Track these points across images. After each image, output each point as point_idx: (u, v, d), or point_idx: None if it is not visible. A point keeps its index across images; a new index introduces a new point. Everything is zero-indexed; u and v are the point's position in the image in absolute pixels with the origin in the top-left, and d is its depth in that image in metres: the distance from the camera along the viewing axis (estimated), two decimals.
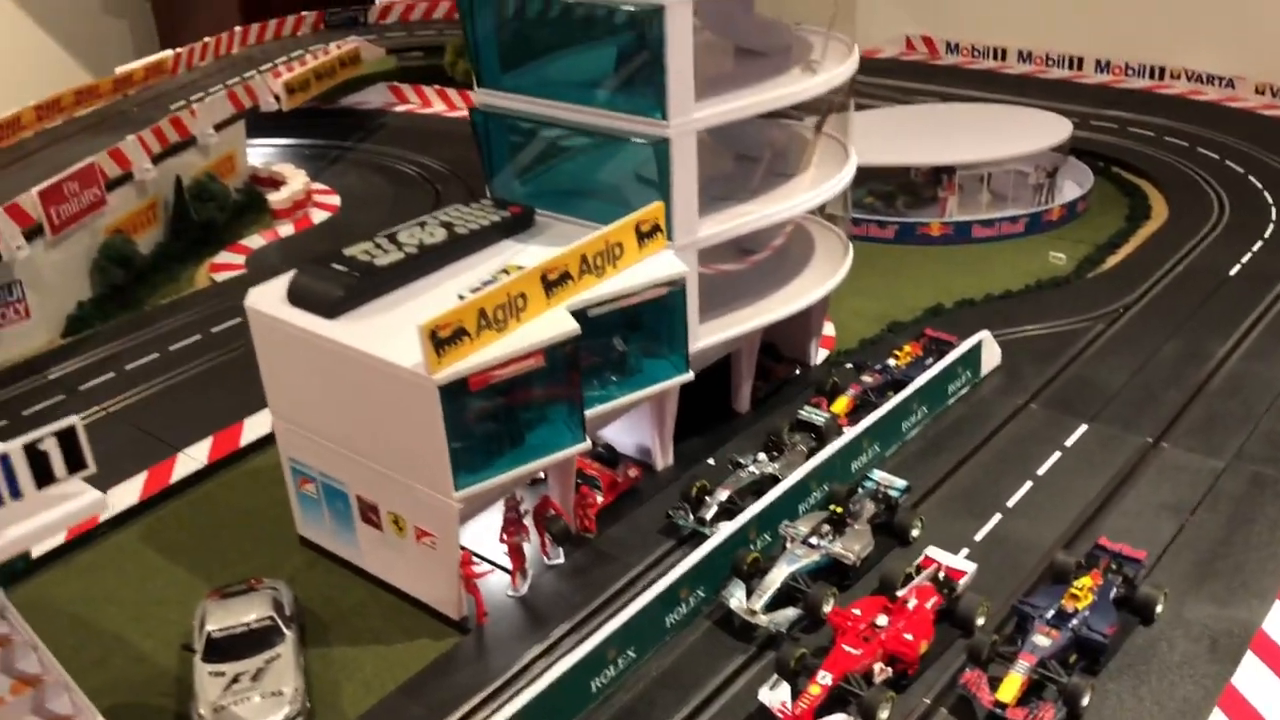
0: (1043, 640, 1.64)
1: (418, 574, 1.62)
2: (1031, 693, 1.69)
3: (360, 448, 1.56)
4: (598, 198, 1.86)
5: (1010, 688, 1.53)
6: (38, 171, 2.41)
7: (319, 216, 2.76)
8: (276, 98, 3.94)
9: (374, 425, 1.53)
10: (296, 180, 3.06)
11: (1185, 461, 1.53)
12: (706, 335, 2.73)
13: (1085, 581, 1.73)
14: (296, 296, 1.66)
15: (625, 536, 1.63)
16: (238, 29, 3.59)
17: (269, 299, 1.64)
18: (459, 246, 1.74)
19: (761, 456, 2.07)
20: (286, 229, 2.74)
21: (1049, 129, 2.70)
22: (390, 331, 1.56)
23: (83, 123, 2.94)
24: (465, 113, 3.10)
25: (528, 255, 1.64)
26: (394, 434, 1.50)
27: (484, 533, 2.20)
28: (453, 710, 1.46)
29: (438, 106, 3.37)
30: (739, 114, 1.72)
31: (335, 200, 2.83)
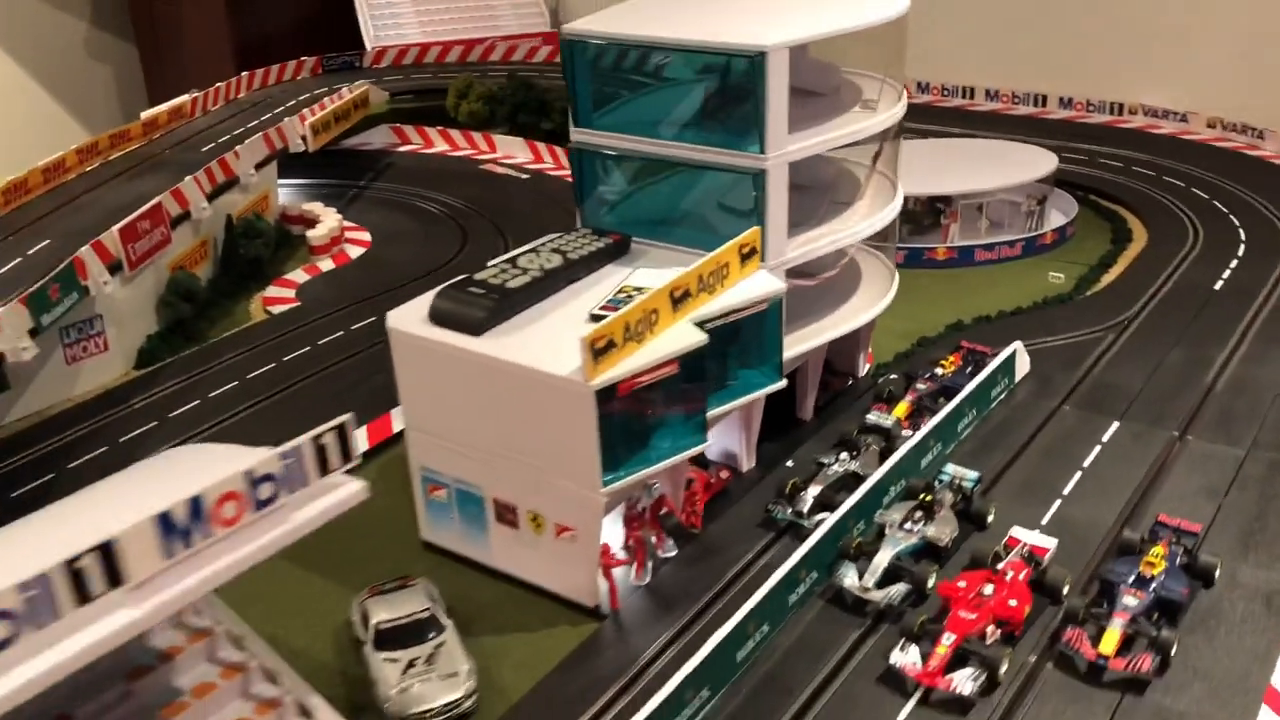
0: (1131, 600, 1.86)
1: (555, 567, 1.77)
2: (1124, 647, 1.90)
3: (504, 453, 1.71)
4: (687, 225, 2.05)
5: (1110, 641, 1.74)
6: (94, 213, 2.48)
7: (354, 252, 2.89)
8: (303, 138, 4.06)
9: (522, 430, 1.67)
10: (330, 218, 3.16)
11: (1210, 451, 1.79)
12: (789, 348, 2.93)
13: (1158, 550, 1.98)
14: (440, 318, 1.80)
15: (726, 531, 1.80)
16: (244, 74, 3.68)
17: (409, 320, 1.78)
18: (573, 270, 1.90)
19: (844, 456, 2.29)
20: (326, 264, 2.85)
21: (1036, 161, 3.00)
22: (535, 345, 1.70)
23: (119, 165, 3.01)
24: (469, 153, 3.25)
25: (636, 277, 1.82)
26: (544, 437, 1.65)
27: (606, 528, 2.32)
28: (608, 686, 1.62)
29: (440, 146, 3.51)
30: (821, 147, 1.96)
31: (366, 236, 2.94)
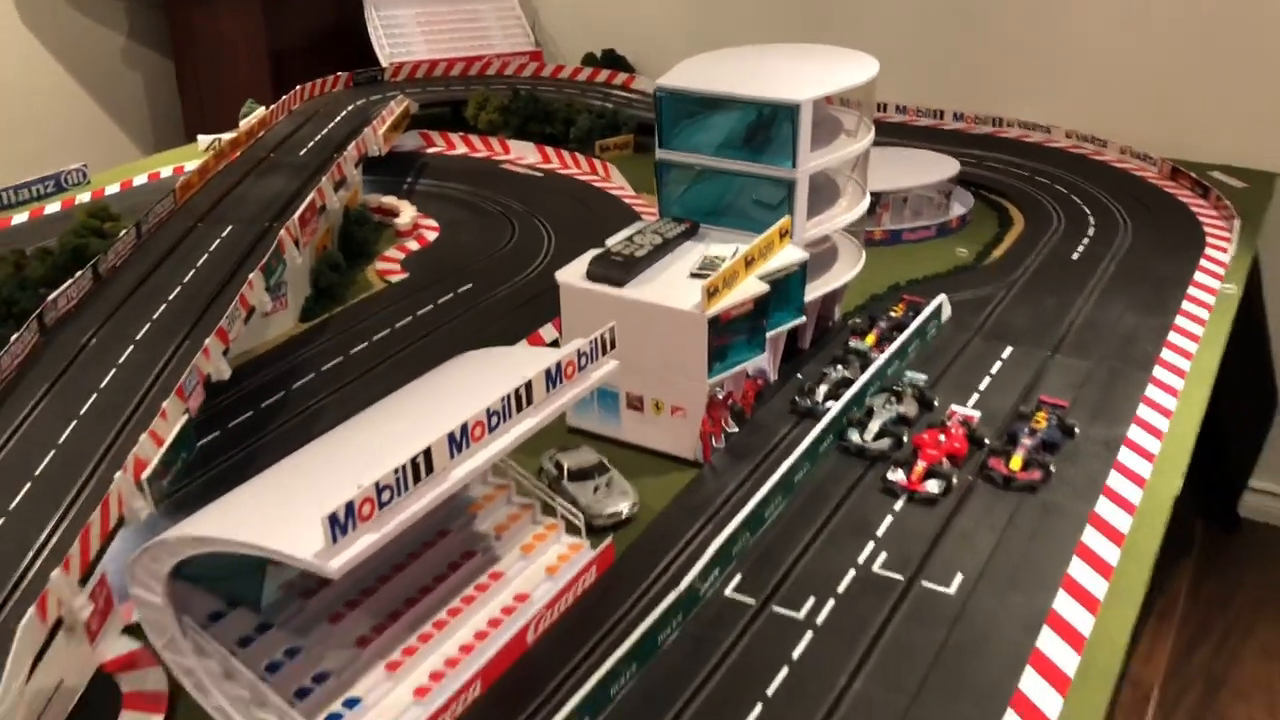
0: (1027, 441, 2.76)
1: (669, 436, 2.46)
2: (1024, 468, 2.81)
3: (638, 362, 2.38)
4: (736, 216, 2.78)
5: (1016, 463, 2.62)
6: (252, 205, 2.90)
7: (429, 236, 3.27)
8: (377, 147, 4.36)
9: (651, 347, 2.35)
10: (407, 209, 3.52)
11: (1071, 363, 2.56)
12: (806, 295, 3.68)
13: (1041, 415, 2.87)
14: (594, 275, 2.49)
15: (766, 415, 2.50)
16: (298, 88, 4.00)
17: (573, 276, 2.45)
18: (668, 245, 2.60)
19: (838, 368, 3.06)
20: (412, 245, 3.24)
21: (944, 165, 3.69)
22: (660, 291, 2.42)
23: (241, 167, 3.34)
24: (486, 155, 3.93)
25: (711, 249, 2.55)
26: (667, 351, 2.34)
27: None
28: (709, 505, 2.30)
29: (460, 149, 3.86)
30: (831, 164, 2.73)
31: (434, 224, 3.33)
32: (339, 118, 3.40)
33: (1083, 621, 1.44)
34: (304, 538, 1.11)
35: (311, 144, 3.08)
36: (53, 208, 2.89)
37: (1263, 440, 3.53)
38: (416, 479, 1.17)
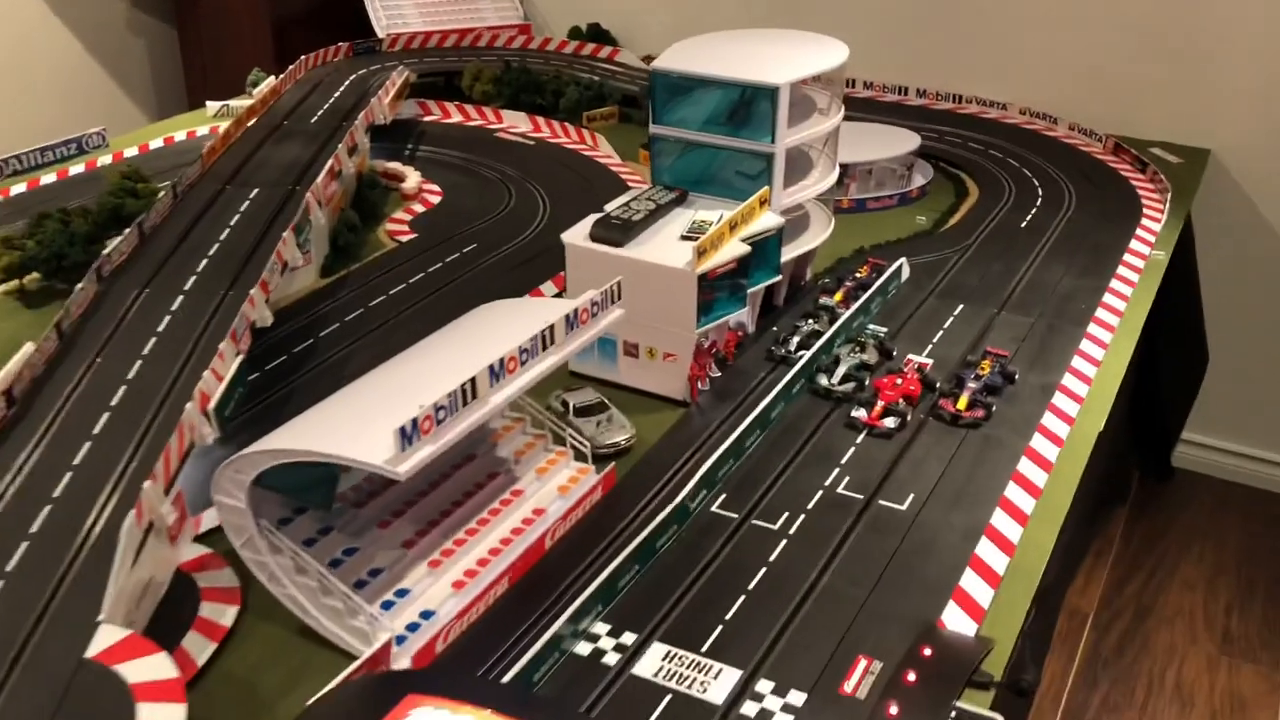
0: (973, 384, 2.97)
1: (661, 379, 2.64)
2: (969, 407, 3.02)
3: (634, 314, 2.52)
4: (721, 185, 2.95)
5: (963, 403, 2.83)
6: (273, 169, 2.98)
7: (433, 199, 3.38)
8: (383, 115, 4.40)
9: (647, 301, 2.50)
10: (413, 175, 3.62)
11: (1014, 319, 2.75)
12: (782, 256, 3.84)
13: (986, 363, 3.07)
14: (595, 237, 2.65)
15: (745, 363, 2.69)
16: (302, 58, 4.06)
17: (577, 237, 2.60)
18: (660, 211, 2.76)
19: (809, 321, 3.24)
20: (418, 208, 3.34)
21: (907, 140, 3.84)
22: (655, 251, 2.59)
23: (257, 134, 3.40)
24: (480, 123, 4.08)
25: (699, 215, 2.72)
26: (661, 304, 2.50)
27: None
28: (697, 439, 2.48)
29: (456, 118, 3.96)
30: (805, 139, 2.91)
31: (436, 188, 3.44)
32: (343, 87, 3.52)
33: (1013, 532, 1.68)
34: (375, 448, 1.33)
35: (321, 112, 3.22)
36: (76, 169, 3.05)
37: (1195, 396, 3.75)
38: (465, 402, 1.38)
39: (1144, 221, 2.91)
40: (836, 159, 2.55)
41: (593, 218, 2.23)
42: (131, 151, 3.24)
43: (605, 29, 4.38)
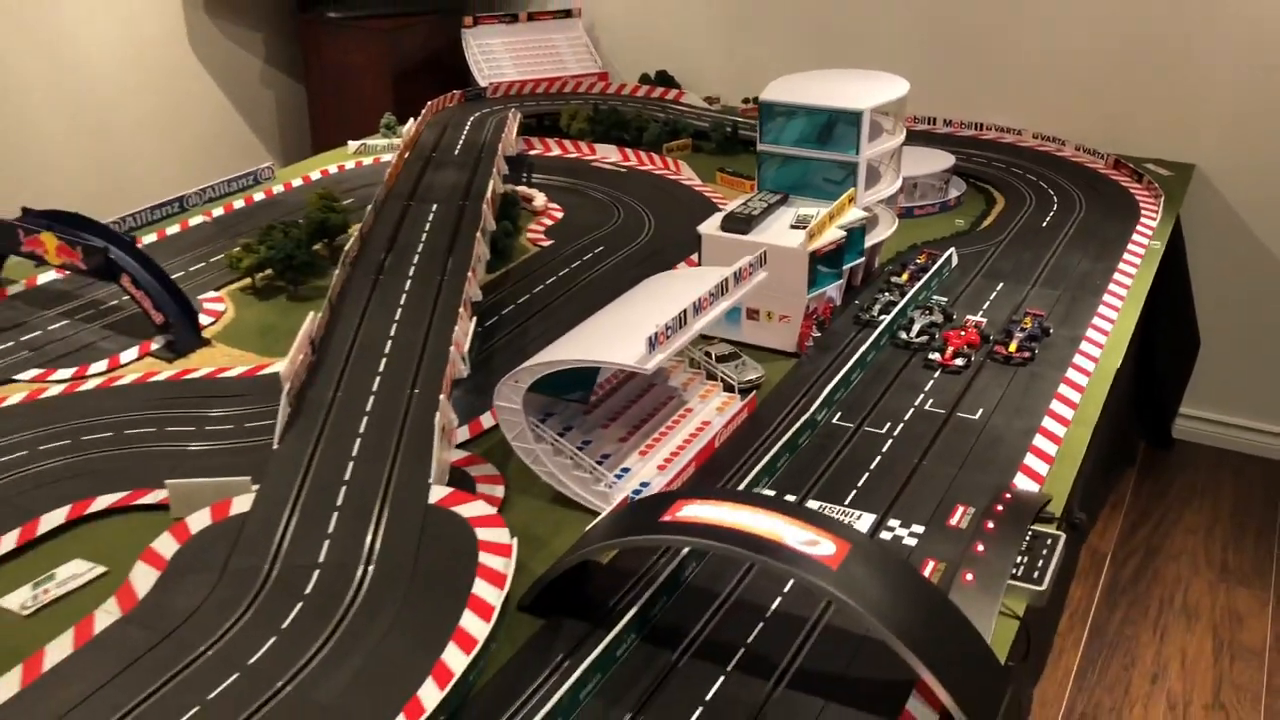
0: (1019, 334, 3.35)
1: (777, 336, 2.99)
2: (1018, 351, 3.39)
3: (757, 286, 2.88)
4: (813, 190, 3.34)
5: (1013, 347, 3.21)
6: (439, 190, 3.27)
7: (557, 215, 3.76)
8: (511, 147, 4.78)
9: (768, 276, 2.88)
10: (539, 195, 4.02)
11: (1044, 293, 3.12)
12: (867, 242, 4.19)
13: (1027, 319, 3.46)
14: (726, 228, 3.05)
15: (837, 327, 3.05)
16: (430, 103, 4.48)
17: (710, 228, 3.00)
18: (771, 208, 3.17)
19: (885, 294, 3.60)
20: (547, 221, 3.73)
21: (943, 159, 4.26)
22: (773, 236, 2.98)
23: (415, 165, 3.77)
24: (576, 155, 4.55)
25: (801, 210, 3.12)
26: (778, 277, 2.86)
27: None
28: (808, 381, 2.83)
29: (555, 151, 4.38)
30: (879, 153, 3.32)
31: (557, 206, 3.83)
32: (468, 125, 3.98)
33: (1059, 430, 2.11)
34: (627, 354, 1.78)
35: (459, 146, 3.65)
36: (258, 196, 3.51)
37: (1189, 375, 4.13)
38: (680, 325, 1.85)
39: (1142, 220, 3.36)
40: (900, 171, 2.98)
41: (718, 216, 2.67)
42: (297, 182, 3.67)
43: (670, 74, 4.83)
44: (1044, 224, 3.51)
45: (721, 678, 1.57)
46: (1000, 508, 1.85)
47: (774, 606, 1.72)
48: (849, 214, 2.73)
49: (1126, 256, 3.10)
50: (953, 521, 1.87)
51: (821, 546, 1.46)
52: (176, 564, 1.72)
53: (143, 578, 1.68)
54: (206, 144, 4.96)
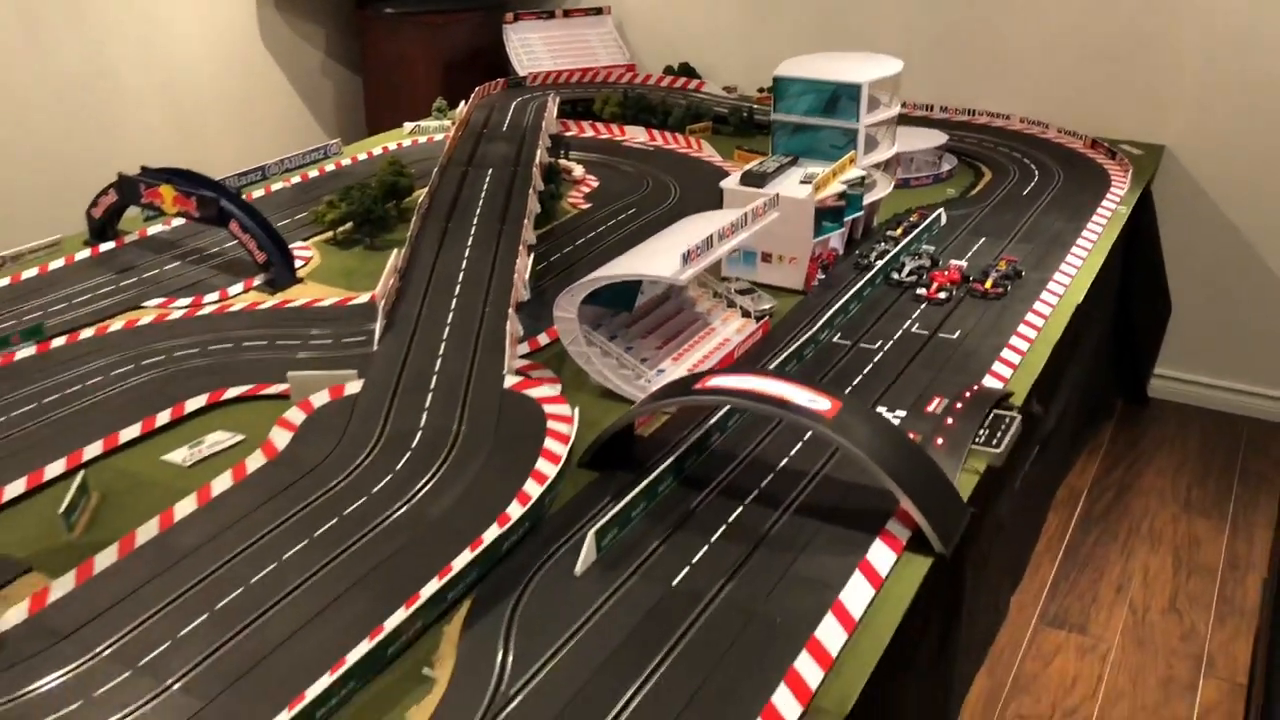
0: (994, 274, 3.61)
1: (787, 275, 3.25)
2: (993, 288, 3.66)
3: (769, 231, 3.15)
4: (819, 154, 3.60)
5: (989, 284, 3.49)
6: (492, 159, 3.51)
7: (593, 183, 4.02)
8: (553, 125, 5.05)
9: (780, 223, 3.12)
10: (576, 167, 4.27)
11: (1021, 246, 3.34)
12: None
13: (1003, 262, 3.72)
14: (745, 182, 3.34)
15: (839, 271, 3.32)
16: (478, 89, 4.77)
17: (731, 183, 3.28)
18: (784, 168, 3.44)
19: (881, 244, 3.86)
20: (584, 189, 3.98)
21: (936, 137, 4.56)
22: (785, 189, 3.27)
23: (470, 139, 4.03)
24: (608, 136, 4.86)
25: (808, 170, 3.38)
26: (789, 224, 3.12)
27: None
28: (814, 309, 3.09)
29: (589, 132, 4.67)
30: (876, 122, 3.62)
31: (593, 178, 4.09)
32: (512, 108, 4.34)
33: (1024, 345, 2.45)
34: (665, 269, 2.08)
35: (506, 124, 4.01)
36: (328, 168, 3.84)
37: (1161, 337, 4.39)
38: (708, 247, 2.15)
39: (1112, 190, 3.67)
40: (895, 139, 3.30)
41: (737, 174, 2.98)
42: (362, 156, 4.01)
43: (692, 66, 5.12)
44: (1025, 193, 3.81)
45: (739, 509, 1.86)
46: (969, 394, 2.16)
47: (781, 464, 2.01)
48: (850, 173, 3.01)
49: (1095, 219, 3.41)
50: (930, 409, 2.18)
51: (819, 403, 1.78)
52: (306, 428, 2.05)
53: (279, 437, 2.01)
54: (273, 126, 5.29)
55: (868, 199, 3.21)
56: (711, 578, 1.68)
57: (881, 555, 1.73)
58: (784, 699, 1.42)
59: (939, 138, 4.07)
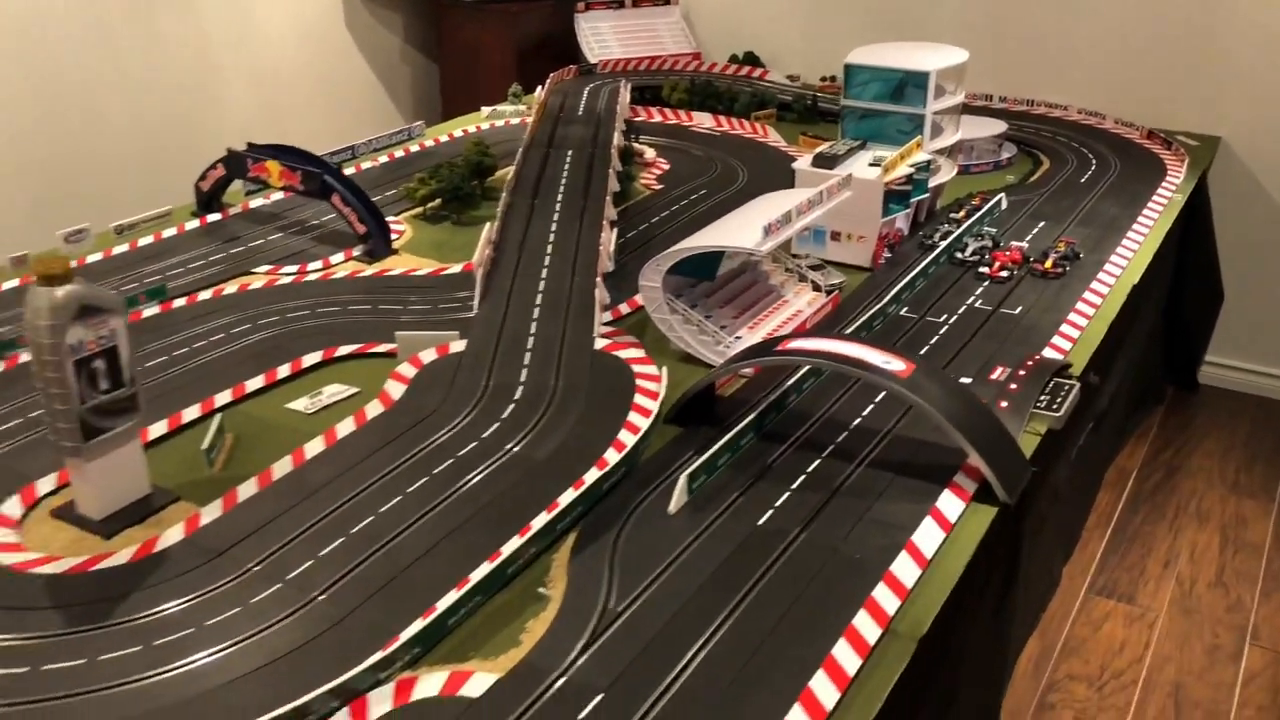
0: (1054, 255, 3.64)
1: (856, 253, 3.29)
2: (1053, 268, 3.68)
3: (839, 210, 3.17)
4: (886, 139, 3.65)
5: (1049, 264, 3.50)
6: (571, 142, 3.57)
7: (664, 166, 4.09)
8: (626, 110, 5.13)
9: (850, 203, 3.17)
10: (649, 149, 4.35)
11: (1079, 230, 3.38)
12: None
13: (1062, 243, 3.72)
14: (817, 164, 3.40)
15: (904, 250, 3.37)
16: (551, 75, 4.87)
17: (804, 165, 3.35)
18: (853, 151, 3.50)
19: (945, 225, 3.89)
20: (656, 172, 4.06)
21: (996, 125, 4.57)
22: (855, 170, 3.34)
23: (548, 122, 4.12)
24: (677, 122, 4.93)
25: (876, 154, 3.46)
26: (858, 203, 3.19)
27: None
28: (879, 286, 3.12)
29: (658, 118, 4.75)
30: (941, 108, 3.68)
31: (664, 160, 4.17)
32: (585, 94, 4.41)
33: (1083, 321, 2.52)
34: (747, 240, 2.18)
35: (580, 109, 4.09)
36: (413, 149, 3.97)
37: (1213, 325, 4.40)
38: (787, 221, 2.26)
39: (1168, 178, 3.69)
40: (959, 126, 3.39)
41: (809, 156, 3.07)
42: (443, 138, 4.14)
43: (756, 55, 5.21)
44: (1082, 180, 3.85)
45: (816, 461, 1.97)
46: (1030, 363, 2.24)
47: (855, 423, 2.09)
48: (916, 156, 3.08)
49: (1151, 205, 3.44)
50: (993, 376, 2.26)
51: (895, 364, 1.86)
52: (417, 381, 2.18)
53: (394, 389, 2.15)
54: (355, 109, 5.46)
55: (932, 182, 3.29)
56: (794, 520, 1.78)
57: (950, 504, 1.82)
58: (864, 622, 1.52)
59: (999, 126, 4.14)
